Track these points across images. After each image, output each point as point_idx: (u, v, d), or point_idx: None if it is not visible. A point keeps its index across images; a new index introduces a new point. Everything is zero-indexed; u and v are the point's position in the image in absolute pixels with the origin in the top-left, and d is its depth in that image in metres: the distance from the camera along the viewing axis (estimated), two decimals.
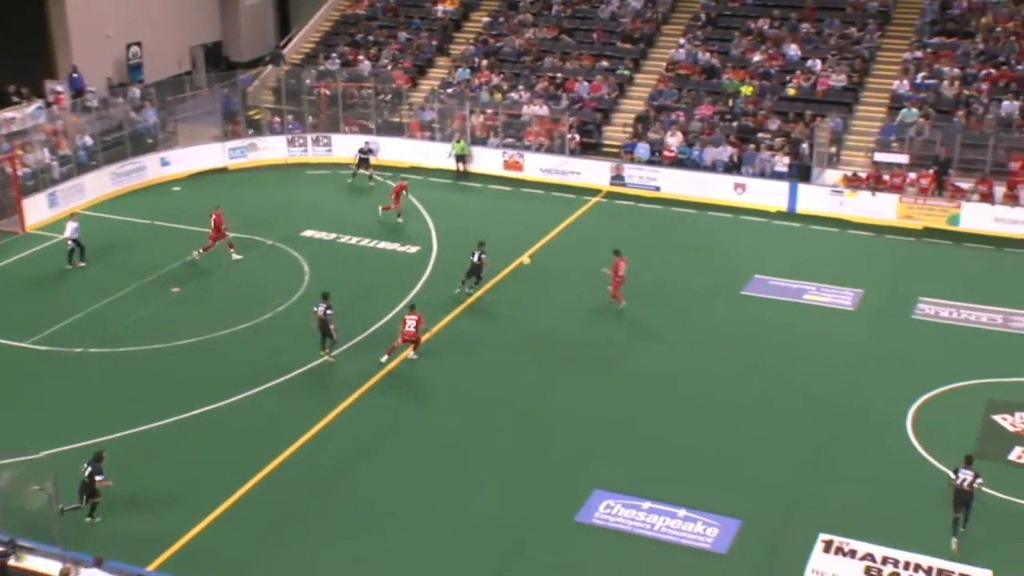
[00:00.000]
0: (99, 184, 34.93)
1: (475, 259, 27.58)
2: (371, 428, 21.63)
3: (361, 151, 36.67)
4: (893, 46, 39.31)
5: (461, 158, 37.36)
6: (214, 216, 29.54)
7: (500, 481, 19.82)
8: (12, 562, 16.30)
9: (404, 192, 33.14)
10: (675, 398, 22.75)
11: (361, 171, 36.23)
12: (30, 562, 16.39)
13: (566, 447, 20.97)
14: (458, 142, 37.50)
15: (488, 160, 37.64)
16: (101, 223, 32.38)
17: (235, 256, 29.69)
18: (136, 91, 39.28)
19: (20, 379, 23.64)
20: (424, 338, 24.59)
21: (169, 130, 38.70)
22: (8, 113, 36.66)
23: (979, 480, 17.92)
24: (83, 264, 29.22)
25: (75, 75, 40.18)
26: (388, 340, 24.52)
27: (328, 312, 23.76)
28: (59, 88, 39.38)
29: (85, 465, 18.43)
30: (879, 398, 22.62)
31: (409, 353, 24.16)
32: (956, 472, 18.11)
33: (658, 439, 21.23)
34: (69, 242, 29.24)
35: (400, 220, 32.66)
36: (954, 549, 17.78)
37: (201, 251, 29.47)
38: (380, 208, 32.97)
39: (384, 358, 23.86)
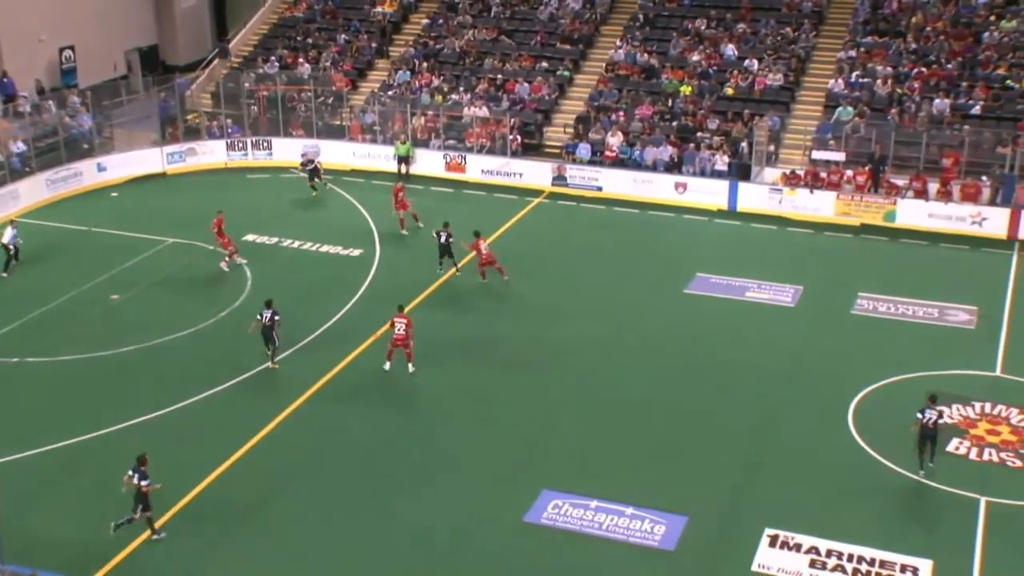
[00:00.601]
0: (34, 190, 34.29)
1: (441, 240, 28.21)
2: (316, 432, 21.45)
3: (303, 164, 36.15)
4: (828, 46, 39.92)
5: (404, 160, 37.18)
6: (216, 221, 29.05)
7: (447, 482, 19.77)
8: None
9: (402, 194, 32.28)
10: (620, 397, 22.86)
11: (316, 181, 35.46)
12: None
13: (513, 448, 20.98)
14: (403, 144, 37.32)
15: (430, 162, 37.55)
16: (37, 230, 31.73)
17: (236, 261, 29.21)
18: (76, 98, 38.27)
19: None
20: (368, 340, 24.48)
21: (105, 135, 38.09)
22: None
23: (942, 420, 19.88)
24: (4, 275, 28.56)
25: (5, 80, 39.33)
26: (334, 343, 24.33)
27: (275, 318, 23.49)
28: None
29: (130, 473, 17.67)
30: (820, 393, 22.93)
31: (409, 366, 23.49)
32: (922, 412, 19.57)
33: (603, 438, 21.32)
34: (10, 247, 28.63)
35: (420, 225, 31.97)
36: (921, 475, 19.56)
37: (227, 259, 29.00)
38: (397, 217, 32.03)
39: (387, 366, 23.49)
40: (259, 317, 23.61)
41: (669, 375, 23.81)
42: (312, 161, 35.85)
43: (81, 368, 23.93)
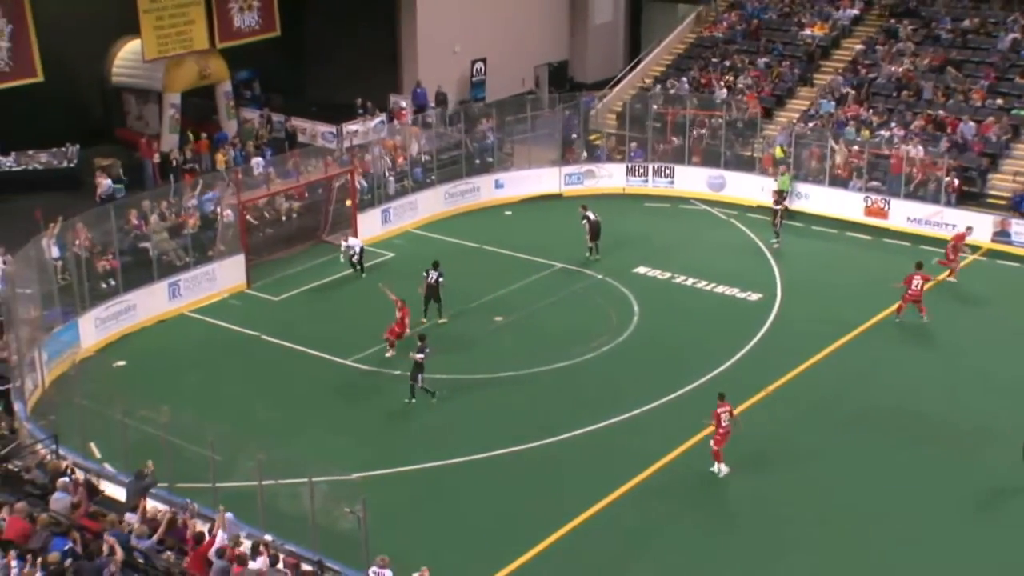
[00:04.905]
0: (432, 203, 37.34)
1: (430, 280, 28.58)
2: (695, 484, 21.73)
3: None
4: None
5: (781, 194, 35.92)
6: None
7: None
8: None
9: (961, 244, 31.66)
10: None
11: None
12: None
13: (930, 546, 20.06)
14: (783, 176, 36.74)
15: (847, 204, 36.67)
16: (430, 243, 34.59)
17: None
18: (485, 124, 40.46)
19: (339, 395, 25.76)
20: (758, 397, 24.35)
21: (506, 151, 40.68)
22: (352, 126, 40.11)
23: None
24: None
25: (419, 90, 43.29)
26: (720, 390, 24.31)
27: (440, 280, 27.82)
28: (403, 103, 42.51)
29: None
30: None
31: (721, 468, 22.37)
32: None
33: None
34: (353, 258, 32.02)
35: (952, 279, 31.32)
36: None
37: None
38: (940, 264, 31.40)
39: (721, 470, 22.26)
40: (426, 275, 28.17)
41: None
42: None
43: (455, 389, 25.77)
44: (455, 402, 25.26)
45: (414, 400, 24.87)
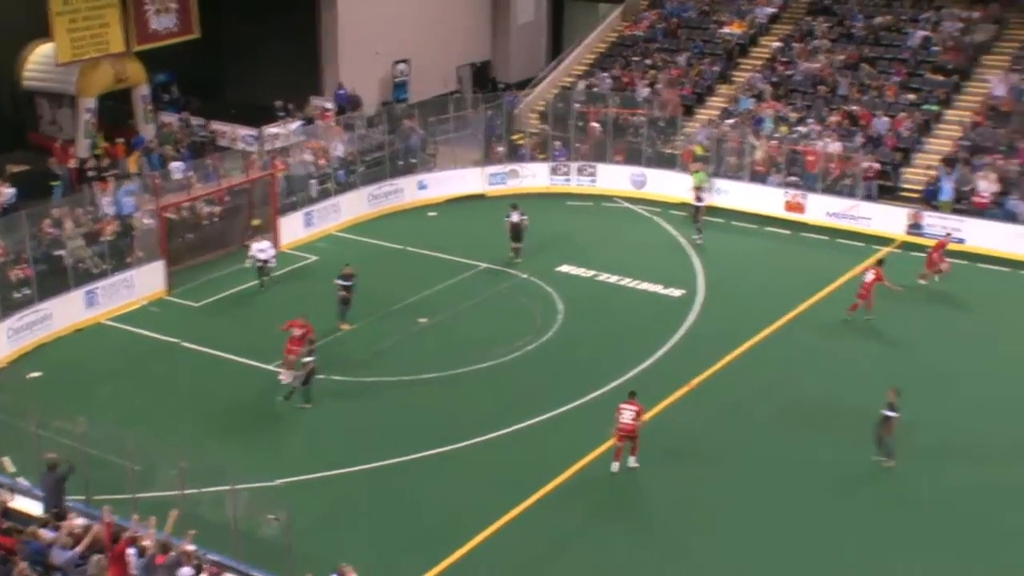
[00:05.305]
0: (356, 204, 37.36)
1: (342, 284, 28.72)
2: (610, 488, 22.05)
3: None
4: None
5: (699, 190, 36.43)
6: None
7: (761, 565, 19.68)
8: None
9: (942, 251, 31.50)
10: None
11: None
12: None
13: (866, 538, 20.53)
14: (696, 172, 37.33)
15: (767, 199, 37.38)
16: (354, 246, 34.62)
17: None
18: (408, 122, 40.54)
19: (262, 401, 25.72)
20: (681, 392, 24.77)
21: (430, 152, 40.83)
22: (273, 129, 39.95)
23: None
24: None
25: (340, 91, 43.24)
26: (643, 387, 24.48)
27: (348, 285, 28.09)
28: (328, 104, 42.36)
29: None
30: None
31: (629, 459, 22.49)
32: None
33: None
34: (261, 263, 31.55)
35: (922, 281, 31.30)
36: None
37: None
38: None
39: (615, 466, 22.43)
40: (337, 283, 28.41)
41: None
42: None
43: (385, 390, 25.89)
44: (379, 405, 25.35)
45: (300, 404, 24.97)
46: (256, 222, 34.16)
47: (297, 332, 25.52)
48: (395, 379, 26.40)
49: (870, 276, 28.98)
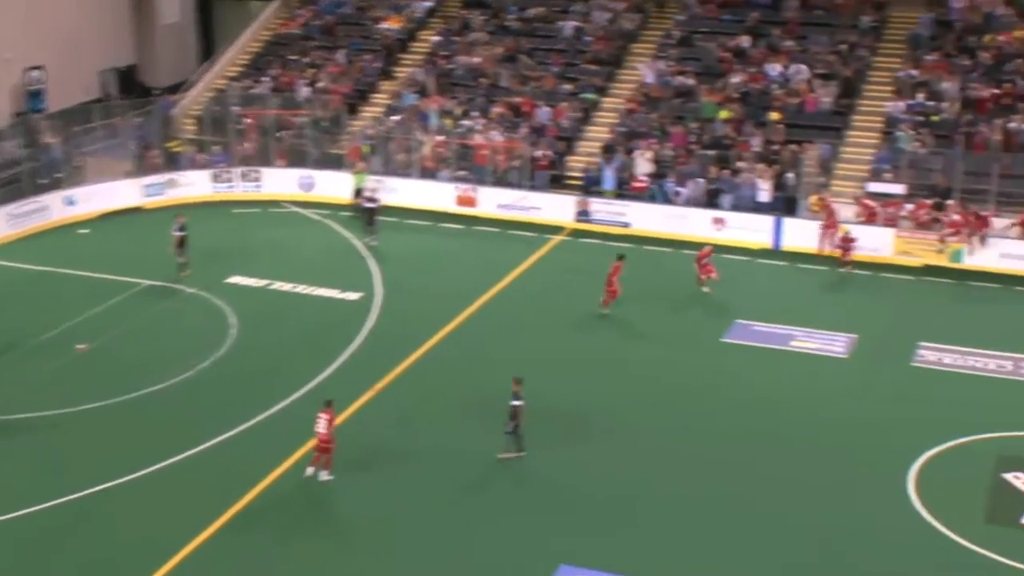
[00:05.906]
0: None
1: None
2: (303, 501, 21.25)
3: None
4: (886, 64, 39.77)
5: (359, 192, 36.32)
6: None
7: (460, 557, 19.48)
8: None
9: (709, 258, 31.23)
10: (652, 460, 22.51)
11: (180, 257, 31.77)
12: None
13: (530, 519, 20.64)
14: (358, 173, 37.07)
15: (439, 195, 37.55)
16: None
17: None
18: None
19: None
20: (367, 396, 24.28)
21: (76, 164, 38.34)
22: None
23: None
24: None
25: None
26: (328, 394, 23.81)
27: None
28: None
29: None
30: (878, 456, 22.51)
31: (321, 473, 21.71)
32: None
33: (634, 508, 20.94)
34: None
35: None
36: None
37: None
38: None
39: (310, 471, 21.88)
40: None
41: (707, 434, 23.45)
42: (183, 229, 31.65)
43: (41, 427, 23.79)
44: (32, 444, 23.17)
45: None
46: None
47: None
48: (51, 414, 24.23)
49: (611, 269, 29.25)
